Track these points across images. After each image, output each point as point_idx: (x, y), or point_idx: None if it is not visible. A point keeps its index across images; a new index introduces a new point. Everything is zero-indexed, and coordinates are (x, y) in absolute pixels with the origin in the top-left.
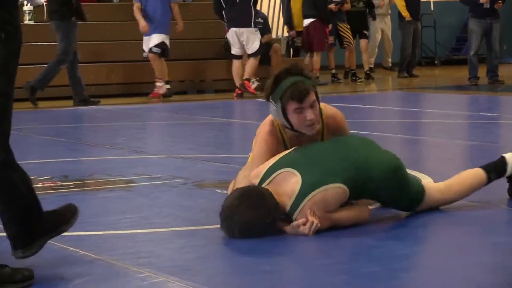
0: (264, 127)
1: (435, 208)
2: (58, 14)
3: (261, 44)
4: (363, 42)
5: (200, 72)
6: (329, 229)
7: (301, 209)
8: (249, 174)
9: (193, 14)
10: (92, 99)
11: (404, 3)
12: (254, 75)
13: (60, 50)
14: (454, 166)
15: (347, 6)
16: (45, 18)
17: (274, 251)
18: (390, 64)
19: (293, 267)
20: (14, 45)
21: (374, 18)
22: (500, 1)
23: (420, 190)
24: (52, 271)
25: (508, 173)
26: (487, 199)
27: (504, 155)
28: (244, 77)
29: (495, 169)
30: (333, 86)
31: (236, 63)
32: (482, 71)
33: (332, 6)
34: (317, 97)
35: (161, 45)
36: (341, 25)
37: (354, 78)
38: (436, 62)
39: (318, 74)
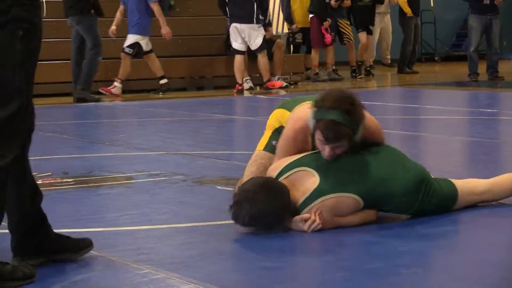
0: (299, 122)
1: None
2: (76, 9)
3: (264, 39)
4: (368, 38)
5: (200, 68)
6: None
7: (310, 209)
8: (254, 170)
9: (193, 10)
10: (92, 95)
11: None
12: (273, 72)
13: (91, 45)
14: (454, 162)
15: (347, 3)
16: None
17: (274, 248)
18: (389, 61)
19: (294, 263)
20: (33, 42)
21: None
22: None
23: (450, 197)
24: (52, 267)
25: None
26: None
27: None
28: (264, 80)
29: None
30: (333, 82)
31: (238, 59)
32: (482, 67)
33: (332, 2)
34: (351, 139)
35: (134, 45)
36: (341, 21)
37: (354, 74)
38: (436, 58)
39: (317, 71)
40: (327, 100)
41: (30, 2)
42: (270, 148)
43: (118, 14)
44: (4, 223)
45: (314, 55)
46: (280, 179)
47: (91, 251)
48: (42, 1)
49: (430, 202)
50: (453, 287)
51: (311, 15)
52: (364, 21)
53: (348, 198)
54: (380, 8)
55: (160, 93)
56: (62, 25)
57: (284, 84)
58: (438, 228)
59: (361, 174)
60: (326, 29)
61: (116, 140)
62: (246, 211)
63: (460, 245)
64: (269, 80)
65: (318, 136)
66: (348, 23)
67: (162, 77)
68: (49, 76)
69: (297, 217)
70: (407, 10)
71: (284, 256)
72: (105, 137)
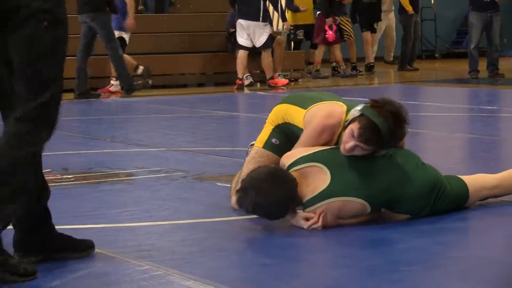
0: (331, 120)
1: None
2: (91, 6)
3: (270, 37)
4: (372, 36)
5: (200, 65)
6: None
7: (315, 208)
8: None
9: (194, 7)
10: (92, 92)
11: None
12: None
13: (106, 40)
14: (454, 159)
15: (348, 0)
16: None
17: (274, 244)
18: (391, 59)
19: (293, 260)
20: (59, 31)
21: None
22: None
23: (461, 197)
24: (53, 263)
25: None
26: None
27: None
28: (267, 77)
29: None
30: (334, 79)
31: (241, 53)
32: (482, 64)
33: None
34: (375, 151)
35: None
36: (341, 18)
37: (354, 71)
38: (436, 55)
39: (318, 67)
40: (385, 107)
41: None
42: (270, 146)
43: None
44: None
45: (318, 52)
46: (291, 170)
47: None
48: None
49: (442, 204)
50: (453, 284)
51: (318, 12)
52: (369, 19)
53: (355, 203)
54: (384, 6)
55: (149, 80)
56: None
57: (286, 82)
58: (438, 225)
59: (372, 179)
60: (330, 26)
61: (117, 137)
62: (251, 198)
63: (460, 242)
64: (271, 78)
65: (353, 127)
66: (349, 20)
67: (136, 67)
68: None
69: (300, 214)
70: (409, 8)
71: (283, 253)
72: (105, 133)
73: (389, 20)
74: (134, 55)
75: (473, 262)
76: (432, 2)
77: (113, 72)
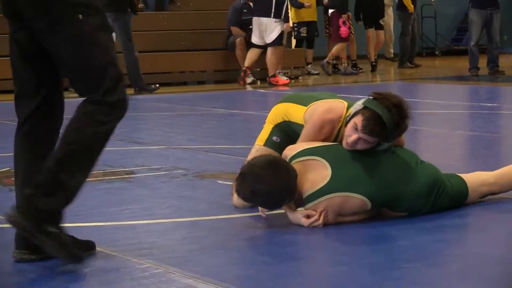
0: (330, 114)
1: None
2: (114, 6)
3: (280, 34)
4: (380, 34)
5: (200, 62)
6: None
7: (315, 204)
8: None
9: (194, 5)
10: (148, 85)
11: None
12: (277, 66)
13: (124, 41)
14: (454, 156)
15: None
16: None
17: (274, 242)
18: (392, 55)
19: (294, 258)
20: (96, 19)
21: None
22: None
23: (461, 194)
24: (53, 262)
25: None
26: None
27: None
28: (270, 74)
29: None
30: (334, 76)
31: (253, 50)
32: (482, 62)
33: None
34: (379, 143)
35: None
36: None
37: (355, 68)
38: (436, 52)
39: (345, 62)
40: (387, 99)
41: None
42: (271, 144)
43: None
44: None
45: (336, 48)
46: (293, 162)
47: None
48: None
49: (442, 202)
50: (453, 282)
51: (331, 10)
52: (374, 15)
53: (355, 199)
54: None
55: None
56: None
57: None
58: (438, 222)
59: (372, 175)
60: (344, 22)
61: (117, 135)
62: (248, 185)
63: (461, 239)
64: (273, 76)
65: (356, 120)
66: (350, 17)
67: None
68: None
69: (300, 212)
70: (410, 7)
71: (284, 250)
72: None
73: (388, 15)
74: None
75: (474, 260)
76: None
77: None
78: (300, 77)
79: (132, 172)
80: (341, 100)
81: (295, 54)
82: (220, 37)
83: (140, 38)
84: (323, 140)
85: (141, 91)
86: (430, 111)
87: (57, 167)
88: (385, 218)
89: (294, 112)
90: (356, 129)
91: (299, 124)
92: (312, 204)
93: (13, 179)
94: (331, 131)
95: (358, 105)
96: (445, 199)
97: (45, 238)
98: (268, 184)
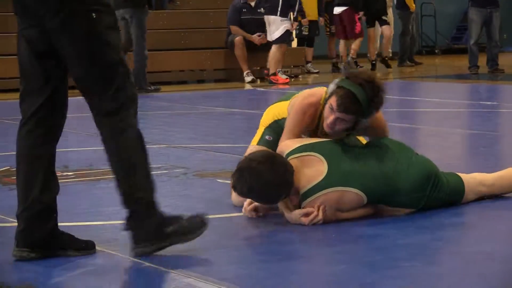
0: (311, 98)
1: None
2: (132, 2)
3: (285, 33)
4: (386, 29)
5: (200, 61)
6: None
7: (313, 200)
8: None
9: (193, 3)
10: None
11: None
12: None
13: (137, 37)
14: (453, 154)
15: None
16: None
17: (274, 241)
18: (390, 54)
19: (292, 256)
20: (108, 18)
21: None
22: None
23: (457, 191)
24: (51, 261)
25: None
26: None
27: None
28: (270, 72)
29: None
30: (334, 74)
31: (273, 49)
32: (482, 60)
33: None
34: (357, 121)
35: None
36: None
37: (355, 66)
38: (436, 51)
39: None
40: (358, 76)
41: None
42: (264, 142)
43: None
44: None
45: (355, 44)
46: (289, 158)
47: None
48: None
49: (437, 197)
50: (452, 280)
51: (344, 8)
52: (376, 14)
53: (351, 193)
54: None
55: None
56: None
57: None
58: (437, 220)
59: (368, 169)
60: (360, 18)
61: None
62: (246, 180)
63: (460, 237)
64: (274, 74)
65: (331, 101)
66: None
67: None
68: None
69: (297, 211)
70: (412, 6)
71: (283, 249)
72: None
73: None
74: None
75: (473, 258)
76: None
77: None
78: (300, 76)
79: None
80: (323, 87)
81: (295, 53)
82: (220, 36)
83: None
84: (309, 124)
85: (140, 90)
86: (430, 109)
87: (130, 190)
88: (384, 217)
89: (281, 108)
90: (332, 109)
91: (286, 118)
92: (309, 199)
93: (13, 178)
94: (314, 114)
95: (332, 85)
96: (441, 193)
97: (172, 240)
98: (265, 179)
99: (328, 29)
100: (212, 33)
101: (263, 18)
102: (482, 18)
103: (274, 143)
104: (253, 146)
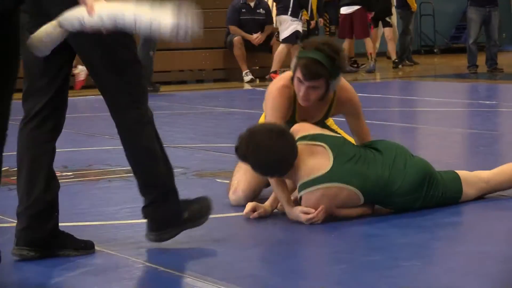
0: (281, 81)
1: None
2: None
3: (293, 33)
4: (387, 30)
5: (199, 61)
6: (329, 218)
7: (312, 191)
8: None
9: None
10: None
11: None
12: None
13: (145, 38)
14: (453, 154)
15: None
16: None
17: (274, 240)
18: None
19: (293, 256)
20: None
21: None
22: None
23: (455, 189)
24: (51, 260)
25: None
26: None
27: None
28: (272, 70)
29: None
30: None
31: (279, 48)
32: (481, 59)
33: None
34: (328, 84)
35: None
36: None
37: (354, 66)
38: (435, 50)
39: (375, 58)
40: (313, 42)
41: None
42: None
43: None
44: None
45: (370, 44)
46: (300, 142)
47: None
48: None
49: (434, 196)
50: (452, 279)
51: (355, 7)
52: (382, 13)
53: (349, 191)
54: None
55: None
56: None
57: None
58: (437, 220)
59: (368, 172)
60: (372, 18)
61: (116, 134)
62: (250, 141)
63: (460, 237)
64: (275, 72)
65: (298, 74)
66: None
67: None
68: None
69: (300, 208)
70: (414, 6)
71: (283, 248)
72: (104, 130)
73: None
74: None
75: (473, 258)
76: None
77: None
78: None
79: (131, 171)
80: (289, 71)
81: (295, 52)
82: (219, 36)
83: (139, 37)
84: (287, 106)
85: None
86: (429, 109)
87: (151, 178)
88: (384, 216)
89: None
90: (300, 81)
91: None
92: (306, 190)
93: (12, 178)
94: (289, 95)
95: (293, 61)
96: (437, 192)
97: (187, 225)
98: (268, 147)
99: (328, 29)
100: (211, 33)
101: (262, 19)
102: (481, 17)
103: None
104: None
